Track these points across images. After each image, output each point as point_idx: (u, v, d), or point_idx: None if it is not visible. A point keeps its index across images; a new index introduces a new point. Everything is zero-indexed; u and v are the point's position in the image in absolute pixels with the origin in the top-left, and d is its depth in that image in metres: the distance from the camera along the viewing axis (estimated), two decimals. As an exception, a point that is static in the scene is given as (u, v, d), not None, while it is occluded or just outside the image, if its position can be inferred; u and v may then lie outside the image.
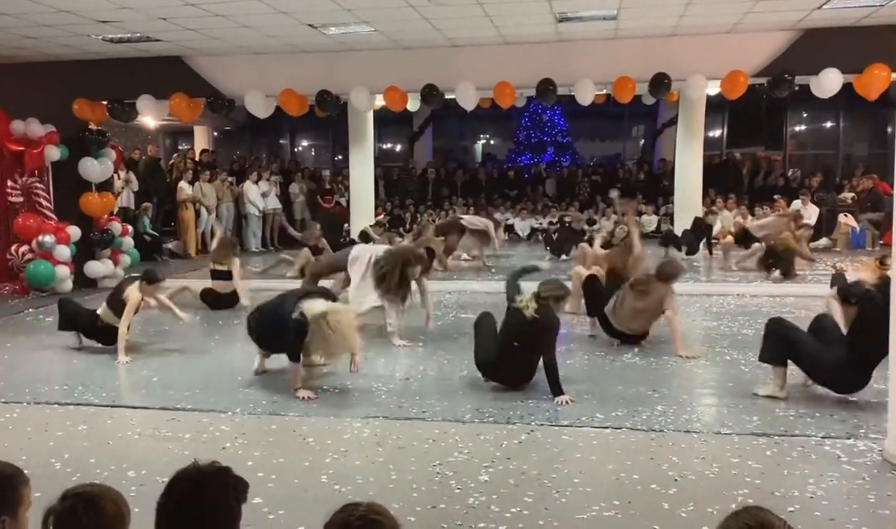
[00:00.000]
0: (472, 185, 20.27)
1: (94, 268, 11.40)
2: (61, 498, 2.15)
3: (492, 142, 24.16)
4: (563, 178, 20.44)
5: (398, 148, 23.86)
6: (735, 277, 11.35)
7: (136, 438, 5.02)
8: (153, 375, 6.51)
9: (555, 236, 14.40)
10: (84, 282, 11.25)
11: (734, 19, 9.40)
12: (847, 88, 9.97)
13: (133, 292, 7.03)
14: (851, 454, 4.48)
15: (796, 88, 10.22)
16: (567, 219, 15.55)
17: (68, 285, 10.94)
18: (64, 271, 10.80)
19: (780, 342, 5.52)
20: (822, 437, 4.76)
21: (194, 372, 6.60)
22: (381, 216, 15.98)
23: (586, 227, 15.69)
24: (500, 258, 13.70)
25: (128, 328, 7.09)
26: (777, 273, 10.82)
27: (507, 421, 5.16)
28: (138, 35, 9.79)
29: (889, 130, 19.17)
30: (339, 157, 21.65)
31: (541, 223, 18.17)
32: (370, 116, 13.94)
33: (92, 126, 11.52)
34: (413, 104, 12.27)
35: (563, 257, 13.20)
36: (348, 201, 15.88)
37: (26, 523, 2.30)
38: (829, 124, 21.08)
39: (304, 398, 5.68)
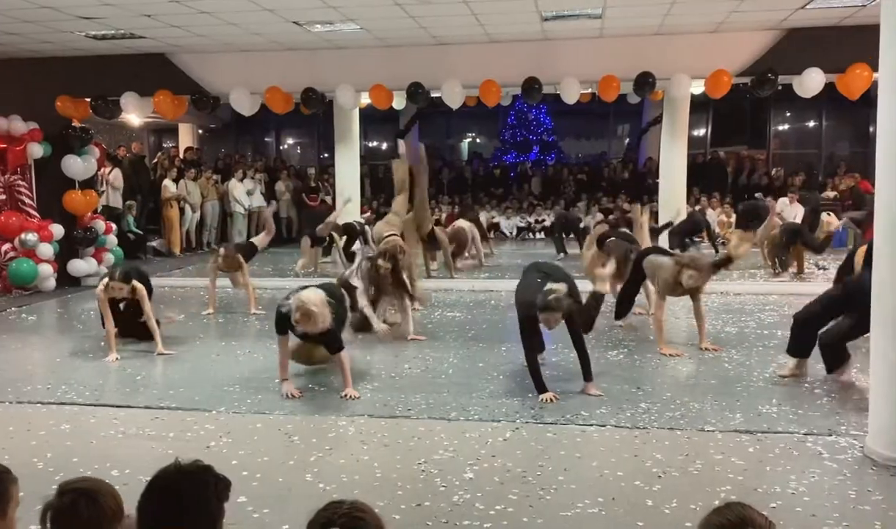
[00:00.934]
0: (459, 183, 20.28)
1: (78, 266, 11.33)
2: (59, 493, 2.14)
3: (478, 140, 24.16)
4: (548, 176, 20.49)
5: (384, 146, 23.82)
6: (719, 275, 11.38)
7: (119, 437, 4.99)
8: (137, 374, 6.48)
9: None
10: (67, 281, 11.18)
11: (718, 19, 9.45)
12: (829, 87, 10.07)
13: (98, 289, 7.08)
14: (833, 451, 4.52)
15: (779, 88, 10.31)
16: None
17: (51, 283, 10.87)
18: (47, 270, 10.73)
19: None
20: (805, 434, 4.80)
21: (178, 371, 6.57)
22: (367, 214, 15.98)
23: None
24: (487, 256, 13.71)
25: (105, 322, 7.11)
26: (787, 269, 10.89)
27: (492, 419, 5.17)
28: (122, 32, 9.73)
29: (871, 129, 19.34)
30: (325, 154, 21.60)
31: (527, 222, 18.20)
32: (356, 113, 13.90)
33: (75, 123, 11.44)
34: (399, 102, 12.26)
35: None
36: (334, 199, 15.85)
37: (15, 522, 2.29)
38: (811, 124, 21.24)
39: (288, 395, 5.66)
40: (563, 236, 14.18)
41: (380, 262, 7.39)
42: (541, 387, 5.55)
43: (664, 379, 6.16)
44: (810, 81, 9.90)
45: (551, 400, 5.46)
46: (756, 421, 5.05)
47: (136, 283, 7.05)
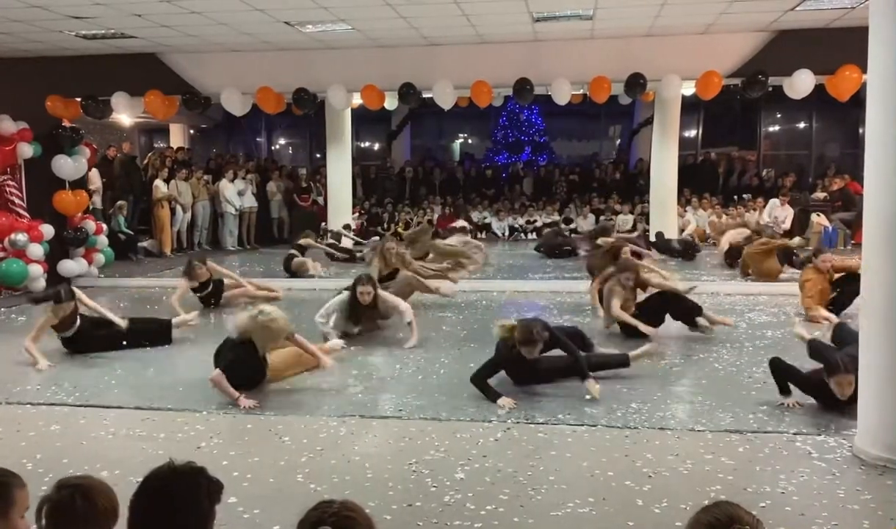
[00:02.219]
0: (450, 184, 20.28)
1: (68, 267, 11.28)
2: (57, 488, 2.16)
3: (470, 141, 24.18)
4: (540, 177, 20.51)
5: (376, 146, 23.81)
6: (708, 275, 11.42)
7: (109, 438, 4.98)
8: (127, 374, 6.46)
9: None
10: (57, 281, 11.11)
11: (709, 20, 9.49)
12: (819, 88, 10.13)
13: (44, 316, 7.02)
14: (822, 451, 4.54)
15: (770, 89, 10.35)
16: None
17: (41, 283, 10.80)
18: (37, 270, 10.67)
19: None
20: (794, 434, 4.82)
21: (169, 371, 6.56)
22: (355, 214, 15.98)
23: (563, 225, 15.98)
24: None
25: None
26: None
27: (483, 419, 5.17)
28: (112, 32, 9.70)
29: (860, 130, 19.45)
30: (317, 155, 21.57)
31: (519, 224, 18.21)
32: (348, 114, 13.91)
33: (66, 123, 11.40)
34: (391, 103, 12.27)
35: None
36: (326, 200, 15.85)
37: (20, 526, 2.27)
38: (801, 125, 21.35)
39: (246, 407, 5.43)
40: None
41: (359, 289, 7.35)
42: (494, 396, 5.50)
43: (654, 379, 6.17)
44: (800, 83, 9.95)
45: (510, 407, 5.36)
46: (746, 421, 5.06)
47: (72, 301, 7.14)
